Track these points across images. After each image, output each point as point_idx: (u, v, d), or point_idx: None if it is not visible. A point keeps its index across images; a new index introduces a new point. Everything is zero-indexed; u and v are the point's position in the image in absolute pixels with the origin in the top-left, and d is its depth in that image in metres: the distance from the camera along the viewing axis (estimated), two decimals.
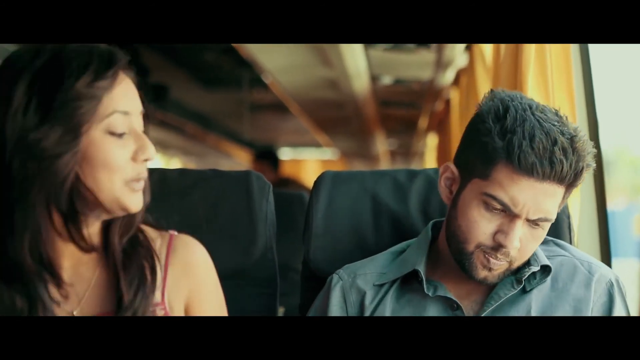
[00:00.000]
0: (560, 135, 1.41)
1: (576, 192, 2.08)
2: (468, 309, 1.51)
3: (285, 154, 12.57)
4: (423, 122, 7.15)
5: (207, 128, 8.50)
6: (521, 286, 1.51)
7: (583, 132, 1.46)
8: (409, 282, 1.57)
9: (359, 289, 1.58)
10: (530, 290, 1.51)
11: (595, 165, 1.46)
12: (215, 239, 1.76)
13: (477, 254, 1.47)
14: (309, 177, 10.37)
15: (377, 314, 1.55)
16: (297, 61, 4.38)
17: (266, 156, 5.87)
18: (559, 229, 1.74)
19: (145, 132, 1.34)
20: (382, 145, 10.29)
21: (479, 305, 1.51)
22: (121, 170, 1.27)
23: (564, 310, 1.49)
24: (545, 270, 1.53)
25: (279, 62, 4.44)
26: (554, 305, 1.50)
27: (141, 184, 1.30)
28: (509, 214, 1.44)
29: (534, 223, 1.46)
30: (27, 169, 1.23)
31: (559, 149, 1.41)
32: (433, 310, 1.52)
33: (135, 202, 1.30)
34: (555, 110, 1.48)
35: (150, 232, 1.42)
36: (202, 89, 6.82)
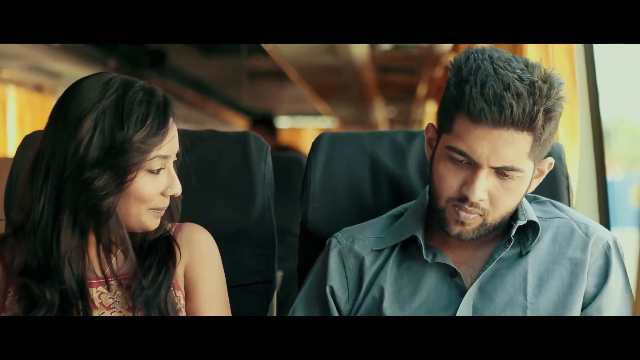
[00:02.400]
0: (517, 81, 1.40)
1: (575, 162, 2.08)
2: (466, 275, 1.51)
3: (283, 122, 12.55)
4: (422, 89, 7.12)
5: (205, 95, 8.48)
6: (511, 243, 1.50)
7: (556, 79, 1.43)
8: (408, 248, 1.57)
9: (357, 253, 1.58)
10: (527, 253, 1.51)
11: (561, 109, 1.44)
12: (214, 198, 1.77)
13: (449, 208, 1.47)
14: (307, 146, 10.35)
15: (379, 280, 1.55)
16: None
17: (262, 122, 5.85)
18: (557, 190, 1.73)
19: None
20: (381, 113, 10.28)
21: (477, 271, 1.51)
22: (150, 202, 1.45)
23: (561, 274, 1.49)
24: (534, 227, 1.52)
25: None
26: (550, 269, 1.50)
27: (163, 210, 1.48)
28: (473, 166, 1.44)
29: (501, 174, 1.44)
30: (77, 198, 1.40)
31: (511, 94, 1.39)
32: (432, 277, 1.52)
33: (154, 223, 1.48)
34: (529, 61, 1.45)
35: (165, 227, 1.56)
36: (201, 55, 6.78)
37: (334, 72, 6.08)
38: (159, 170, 1.44)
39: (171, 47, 6.17)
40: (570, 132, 2.10)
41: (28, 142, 1.78)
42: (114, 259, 1.51)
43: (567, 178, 1.77)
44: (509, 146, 1.41)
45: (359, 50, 4.97)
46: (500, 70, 1.40)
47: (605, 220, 2.25)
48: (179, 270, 1.53)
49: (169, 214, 1.53)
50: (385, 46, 4.95)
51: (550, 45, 2.08)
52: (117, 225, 1.43)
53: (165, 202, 1.47)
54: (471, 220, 1.46)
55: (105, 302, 1.48)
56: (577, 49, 2.17)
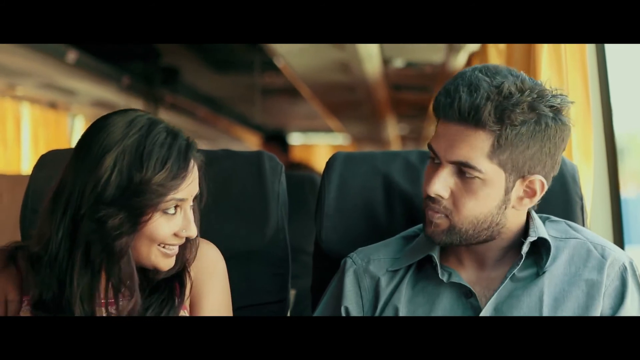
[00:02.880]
0: (484, 82, 1.42)
1: (589, 178, 2.07)
2: (481, 295, 1.51)
3: (295, 139, 12.56)
4: None
5: (218, 112, 8.52)
6: (522, 260, 1.49)
7: (536, 89, 1.43)
8: (423, 268, 1.56)
9: (373, 274, 1.58)
10: (543, 273, 1.50)
11: (541, 123, 1.42)
12: (228, 218, 1.77)
13: (426, 209, 1.50)
14: (319, 162, 10.37)
15: (393, 300, 1.54)
16: (309, 44, 4.37)
17: (275, 139, 5.86)
18: (571, 211, 1.73)
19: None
20: (393, 130, 10.27)
21: (492, 291, 1.50)
22: (162, 241, 1.45)
23: (577, 295, 1.48)
24: (547, 246, 1.51)
25: (290, 45, 4.43)
26: (566, 290, 1.49)
27: (175, 250, 1.48)
28: (439, 164, 1.47)
29: (462, 173, 1.45)
30: (92, 235, 1.41)
31: (467, 87, 1.42)
32: (447, 298, 1.52)
33: (167, 264, 1.48)
34: (519, 74, 1.46)
35: None
36: (214, 72, 6.81)
37: (347, 90, 6.09)
38: (174, 210, 1.44)
39: (184, 64, 6.20)
40: (584, 153, 2.10)
41: (44, 161, 1.79)
42: (121, 297, 1.50)
43: (581, 199, 1.76)
44: (464, 142, 1.44)
45: (372, 68, 4.98)
46: (475, 74, 1.44)
47: (619, 237, 2.24)
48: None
49: (182, 258, 1.53)
50: (398, 64, 4.96)
51: (564, 64, 2.08)
52: (128, 266, 1.43)
53: (177, 242, 1.47)
54: (437, 220, 1.48)
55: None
56: (590, 64, 2.17)
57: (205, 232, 1.62)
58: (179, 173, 1.42)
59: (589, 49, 2.17)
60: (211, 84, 7.48)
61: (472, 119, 1.42)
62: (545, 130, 1.44)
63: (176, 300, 1.51)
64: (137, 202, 1.40)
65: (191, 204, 1.48)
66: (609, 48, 2.27)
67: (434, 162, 1.49)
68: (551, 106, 1.44)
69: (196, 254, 1.54)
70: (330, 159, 1.84)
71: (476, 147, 1.43)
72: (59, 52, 4.57)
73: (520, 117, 1.42)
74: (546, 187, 1.49)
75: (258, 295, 1.78)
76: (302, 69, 5.33)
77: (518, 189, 1.48)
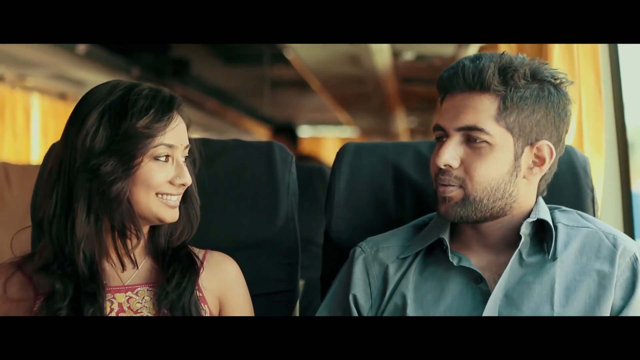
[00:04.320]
0: (486, 55, 1.48)
1: (600, 170, 2.07)
2: (491, 281, 1.51)
3: (304, 131, 12.56)
4: None
5: (227, 104, 8.52)
6: (522, 240, 1.49)
7: (537, 60, 1.49)
8: (432, 254, 1.57)
9: (382, 262, 1.59)
10: (554, 260, 1.50)
11: (541, 88, 1.47)
12: (238, 208, 1.77)
13: (437, 186, 1.52)
14: (328, 155, 10.37)
15: (401, 286, 1.55)
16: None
17: (284, 131, 5.86)
18: (582, 202, 1.73)
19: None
20: (402, 123, 10.27)
21: (500, 276, 1.50)
22: (157, 188, 1.48)
23: (588, 285, 1.48)
24: (549, 228, 1.51)
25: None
26: (578, 280, 1.49)
27: (176, 200, 1.51)
28: (447, 137, 1.49)
29: (469, 139, 1.47)
30: (89, 186, 1.45)
31: (470, 59, 1.48)
32: (456, 283, 1.52)
33: (170, 214, 1.51)
34: (526, 57, 1.51)
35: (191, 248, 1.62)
36: (223, 64, 6.81)
37: (356, 82, 6.09)
38: (166, 158, 1.48)
39: (194, 56, 6.20)
40: (595, 144, 2.09)
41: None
42: (141, 265, 1.55)
43: (592, 190, 1.76)
44: (470, 108, 1.47)
45: (382, 61, 4.98)
46: (479, 53, 1.49)
47: (629, 231, 2.23)
48: (208, 294, 1.56)
49: (188, 221, 1.57)
50: (408, 56, 4.95)
51: (576, 56, 2.07)
52: (128, 210, 1.47)
53: (175, 191, 1.50)
54: (451, 193, 1.49)
55: (134, 306, 1.51)
56: (603, 59, 2.16)
57: (216, 221, 1.62)
58: (164, 116, 1.47)
59: (602, 46, 2.17)
60: (221, 76, 7.49)
61: (477, 82, 1.46)
62: (549, 98, 1.49)
63: (192, 271, 1.54)
64: (126, 147, 1.44)
65: (183, 157, 1.51)
66: (622, 45, 2.27)
67: (441, 140, 1.51)
68: (553, 76, 1.50)
69: (198, 217, 1.58)
70: (340, 150, 1.84)
71: (482, 110, 1.47)
72: (69, 44, 4.58)
73: (523, 80, 1.47)
74: (555, 155, 1.51)
75: (268, 284, 1.78)
76: (311, 62, 5.33)
77: (528, 156, 1.50)
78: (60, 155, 1.48)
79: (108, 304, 1.49)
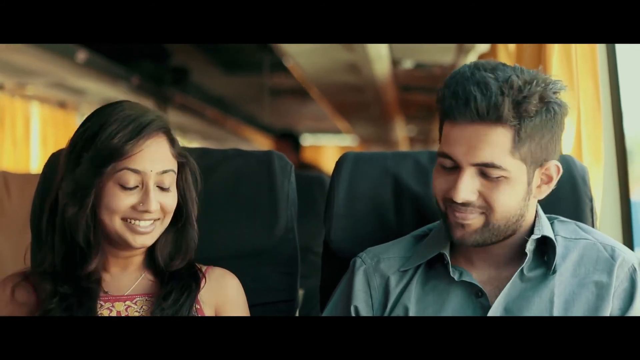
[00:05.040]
0: (490, 79, 1.41)
1: (599, 179, 2.07)
2: (491, 295, 1.50)
3: (304, 139, 12.57)
4: None
5: (226, 112, 8.52)
6: (527, 258, 1.49)
7: (539, 77, 1.44)
8: (433, 267, 1.56)
9: (383, 273, 1.58)
10: (552, 274, 1.50)
11: (549, 112, 1.43)
12: (237, 217, 1.77)
13: (448, 212, 1.49)
14: (327, 164, 10.37)
15: (403, 299, 1.54)
16: (318, 45, 4.37)
17: (287, 137, 5.85)
18: (581, 212, 1.72)
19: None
20: (401, 131, 10.27)
21: (502, 291, 1.50)
22: (120, 213, 1.48)
23: (586, 297, 1.48)
24: (552, 244, 1.51)
25: (300, 45, 4.44)
26: (576, 292, 1.49)
27: (148, 226, 1.50)
28: (458, 168, 1.45)
29: (486, 174, 1.44)
30: (61, 204, 1.49)
31: (477, 86, 1.41)
32: (457, 297, 1.52)
33: (138, 240, 1.50)
34: (513, 65, 1.46)
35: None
36: (223, 72, 6.82)
37: (356, 91, 6.09)
38: (133, 188, 1.48)
39: (193, 64, 6.21)
40: (594, 154, 2.10)
41: (55, 159, 1.80)
42: (142, 277, 1.57)
43: (590, 200, 1.76)
44: (484, 142, 1.42)
45: (381, 69, 4.98)
46: (478, 72, 1.43)
47: (628, 240, 2.23)
48: (207, 309, 1.57)
49: (185, 245, 1.57)
50: (407, 65, 4.96)
51: (574, 67, 2.08)
52: (87, 231, 1.49)
53: (142, 217, 1.49)
54: (470, 220, 1.47)
55: (132, 314, 1.52)
56: (601, 67, 2.16)
57: (215, 231, 1.63)
58: (129, 141, 1.47)
59: (600, 50, 2.17)
60: (220, 85, 7.50)
61: (492, 116, 1.41)
62: (554, 117, 1.46)
63: (193, 288, 1.55)
64: (87, 169, 1.46)
65: (161, 184, 1.50)
66: (620, 50, 2.27)
67: (446, 167, 1.47)
68: (554, 92, 1.46)
69: (196, 245, 1.58)
70: (339, 159, 1.84)
71: (498, 145, 1.43)
72: (69, 52, 4.58)
73: (534, 108, 1.43)
74: (561, 171, 1.51)
75: (267, 294, 1.78)
76: (311, 70, 5.33)
77: (537, 177, 1.49)
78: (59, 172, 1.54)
79: (107, 312, 1.51)
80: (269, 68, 6.24)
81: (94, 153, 1.46)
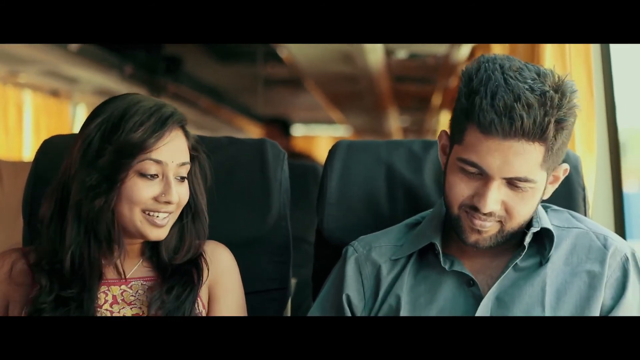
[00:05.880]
0: (528, 92, 1.38)
1: (591, 173, 2.07)
2: (483, 284, 1.51)
3: (298, 129, 12.56)
4: (437, 99, 7.12)
5: (220, 102, 8.50)
6: (525, 251, 1.50)
7: (569, 87, 1.42)
8: (425, 256, 1.57)
9: (374, 261, 1.58)
10: (545, 263, 1.50)
11: (574, 118, 1.42)
12: (231, 205, 1.77)
13: (463, 216, 1.47)
14: (321, 154, 10.36)
15: (395, 288, 1.54)
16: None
17: (276, 122, 5.82)
18: (574, 201, 1.73)
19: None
20: (394, 122, 10.28)
21: (494, 280, 1.50)
22: (141, 204, 1.48)
23: (578, 286, 1.48)
24: (550, 235, 1.51)
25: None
26: (568, 281, 1.49)
27: (164, 219, 1.51)
28: (485, 177, 1.43)
29: (513, 185, 1.43)
30: (78, 196, 1.47)
31: (521, 105, 1.38)
32: (449, 286, 1.52)
33: (155, 233, 1.51)
34: (542, 69, 1.44)
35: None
36: (216, 62, 6.80)
37: (350, 81, 6.09)
38: (153, 176, 1.48)
39: (187, 53, 6.19)
40: (586, 144, 2.10)
41: (47, 146, 1.80)
42: (139, 263, 1.57)
43: (583, 189, 1.76)
44: (520, 157, 1.40)
45: (375, 59, 4.98)
46: (511, 80, 1.39)
47: (621, 232, 2.24)
48: (202, 288, 1.57)
49: (196, 239, 1.57)
50: (401, 55, 4.95)
51: (567, 56, 2.08)
52: (111, 224, 1.48)
53: (161, 208, 1.50)
54: (488, 227, 1.46)
55: (127, 298, 1.53)
56: (595, 59, 2.16)
57: (208, 218, 1.62)
58: (153, 133, 1.47)
59: (594, 45, 2.17)
60: (214, 74, 7.48)
61: (536, 136, 1.40)
62: (572, 126, 1.45)
63: (196, 282, 1.55)
64: (112, 163, 1.46)
65: (177, 175, 1.51)
66: (614, 45, 2.27)
67: (469, 173, 1.45)
68: (575, 105, 1.44)
69: (206, 235, 1.59)
70: (333, 148, 1.84)
71: (532, 160, 1.41)
72: (63, 43, 4.56)
73: (571, 121, 1.42)
74: (568, 172, 1.51)
75: (260, 282, 1.78)
76: (305, 60, 5.33)
77: (549, 179, 1.49)
78: (66, 160, 1.52)
79: (102, 295, 1.52)
80: (263, 58, 6.23)
81: (118, 145, 1.46)
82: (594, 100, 2.13)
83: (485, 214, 1.44)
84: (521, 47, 2.27)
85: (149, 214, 1.49)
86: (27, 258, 1.54)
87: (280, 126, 5.60)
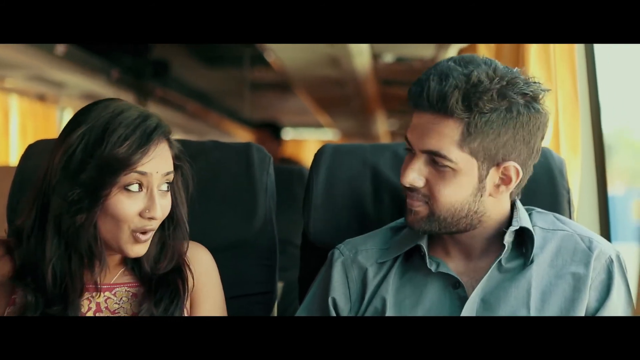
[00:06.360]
0: (453, 70, 1.43)
1: (576, 176, 2.08)
2: (468, 286, 1.51)
3: (285, 133, 12.54)
4: None
5: (207, 106, 8.49)
6: (505, 250, 1.50)
7: (510, 75, 1.43)
8: (410, 259, 1.57)
9: (361, 265, 1.59)
10: (529, 264, 1.51)
11: (504, 107, 1.42)
12: (216, 209, 1.77)
13: (405, 197, 1.52)
14: (309, 158, 10.35)
15: (380, 291, 1.55)
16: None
17: (267, 126, 5.82)
18: (558, 204, 1.73)
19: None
20: (382, 125, 10.28)
21: (479, 281, 1.51)
22: (127, 221, 1.44)
23: (563, 288, 1.49)
24: (530, 235, 1.51)
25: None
26: (553, 283, 1.50)
27: (147, 236, 1.47)
28: (412, 152, 1.48)
29: (434, 162, 1.46)
30: (59, 209, 1.43)
31: (437, 77, 1.43)
32: (434, 288, 1.52)
33: (136, 250, 1.48)
34: (493, 62, 1.46)
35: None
36: (203, 66, 6.79)
37: (337, 85, 6.09)
38: (138, 187, 1.45)
39: (174, 58, 6.18)
40: (571, 147, 2.11)
41: (32, 151, 1.79)
42: (120, 272, 1.55)
43: (568, 192, 1.77)
44: (434, 131, 1.44)
45: (362, 63, 4.98)
46: (448, 64, 1.45)
47: (606, 235, 2.25)
48: None
49: (176, 248, 1.55)
50: (388, 59, 4.96)
51: (552, 59, 2.09)
52: (93, 240, 1.45)
53: (146, 226, 1.46)
54: (417, 207, 1.49)
55: (111, 307, 1.51)
56: (579, 61, 2.17)
57: (194, 222, 1.62)
58: (139, 149, 1.43)
59: (578, 46, 2.18)
60: (201, 78, 7.47)
61: (441, 107, 1.43)
62: (518, 118, 1.44)
63: (182, 293, 1.53)
64: (95, 178, 1.41)
65: (161, 185, 1.48)
66: (598, 46, 2.28)
67: (411, 152, 1.50)
68: (523, 94, 1.45)
69: (188, 245, 1.56)
70: (318, 151, 1.84)
71: (446, 136, 1.44)
72: (48, 45, 4.55)
73: (489, 104, 1.42)
74: (521, 174, 1.49)
75: (246, 286, 1.78)
76: (292, 64, 5.32)
77: (493, 176, 1.48)
78: (44, 170, 1.47)
79: (86, 302, 1.50)
80: (250, 62, 6.22)
81: (102, 160, 1.41)
82: (579, 102, 2.14)
83: (409, 190, 1.48)
84: (506, 50, 2.28)
85: (136, 234, 1.46)
86: (13, 254, 1.49)
87: (270, 131, 5.60)
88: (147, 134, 1.44)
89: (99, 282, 1.50)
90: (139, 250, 1.48)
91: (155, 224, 1.48)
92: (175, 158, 1.51)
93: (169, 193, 1.51)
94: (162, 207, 1.47)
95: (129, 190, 1.44)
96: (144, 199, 1.45)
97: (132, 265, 1.55)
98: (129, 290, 1.53)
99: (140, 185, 1.45)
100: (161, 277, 1.53)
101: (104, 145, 1.41)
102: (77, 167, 1.42)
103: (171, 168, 1.49)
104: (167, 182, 1.49)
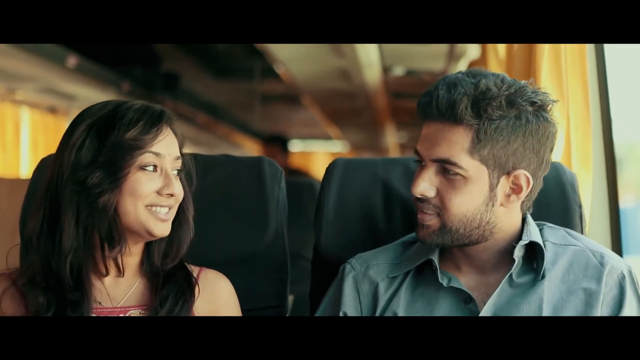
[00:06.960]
0: (462, 81, 1.44)
1: (588, 186, 2.08)
2: (479, 301, 1.51)
3: (295, 145, 12.57)
4: None
5: (217, 118, 8.52)
6: (515, 264, 1.49)
7: (513, 86, 1.44)
8: (422, 273, 1.57)
9: (372, 279, 1.58)
10: (542, 279, 1.50)
11: (513, 116, 1.43)
12: (228, 223, 1.77)
13: (418, 211, 1.52)
14: (318, 170, 10.36)
15: (392, 306, 1.55)
16: (309, 51, 4.38)
17: (276, 140, 5.85)
18: (570, 219, 1.73)
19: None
20: (392, 138, 10.29)
21: (490, 296, 1.50)
22: (144, 198, 1.47)
23: (575, 304, 1.48)
24: (540, 250, 1.51)
25: (291, 51, 4.45)
26: (565, 299, 1.49)
27: (166, 214, 1.50)
28: (423, 163, 1.49)
29: (445, 170, 1.46)
30: (77, 199, 1.45)
31: (445, 86, 1.45)
32: (446, 303, 1.52)
33: (159, 228, 1.49)
34: (501, 74, 1.47)
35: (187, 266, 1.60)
36: (213, 78, 6.82)
37: (347, 97, 6.10)
38: (154, 168, 1.48)
39: (184, 70, 6.21)
40: (583, 161, 2.10)
41: (44, 164, 1.79)
42: (135, 286, 1.54)
43: (579, 207, 1.76)
44: (444, 139, 1.45)
45: (372, 76, 4.99)
46: (458, 75, 1.46)
47: (617, 247, 2.24)
48: (198, 314, 1.55)
49: (183, 238, 1.55)
50: (398, 72, 4.97)
51: (564, 74, 2.08)
52: (115, 222, 1.47)
53: (164, 202, 1.49)
54: (428, 221, 1.49)
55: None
56: (591, 75, 2.17)
57: (205, 236, 1.63)
58: (152, 128, 1.47)
59: (589, 57, 2.18)
60: (211, 91, 7.50)
61: (450, 114, 1.44)
62: (527, 125, 1.45)
63: (187, 296, 1.53)
64: (114, 158, 1.45)
65: (173, 169, 1.51)
66: (609, 57, 2.28)
67: (421, 164, 1.50)
68: (532, 102, 1.46)
69: (191, 241, 1.57)
70: (330, 165, 1.84)
71: (456, 144, 1.45)
72: (60, 57, 4.57)
73: (498, 111, 1.43)
74: (532, 183, 1.49)
75: (257, 299, 1.78)
76: (302, 76, 5.34)
77: (504, 185, 1.48)
78: (50, 171, 1.49)
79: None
80: (260, 74, 6.25)
81: (116, 143, 1.44)
82: (590, 115, 2.13)
83: (420, 202, 1.48)
84: (518, 57, 2.28)
85: (153, 209, 1.48)
86: (17, 284, 1.49)
87: (279, 145, 5.64)
88: (156, 115, 1.49)
89: (120, 265, 1.51)
90: (163, 228, 1.49)
91: (173, 202, 1.50)
92: (180, 146, 1.55)
93: (179, 179, 1.53)
94: (178, 187, 1.50)
95: (145, 170, 1.47)
96: (159, 178, 1.49)
97: (145, 267, 1.55)
98: (143, 313, 1.52)
99: (155, 167, 1.48)
100: (168, 275, 1.54)
101: (117, 129, 1.45)
102: (91, 155, 1.45)
103: (180, 154, 1.53)
104: (177, 169, 1.52)
